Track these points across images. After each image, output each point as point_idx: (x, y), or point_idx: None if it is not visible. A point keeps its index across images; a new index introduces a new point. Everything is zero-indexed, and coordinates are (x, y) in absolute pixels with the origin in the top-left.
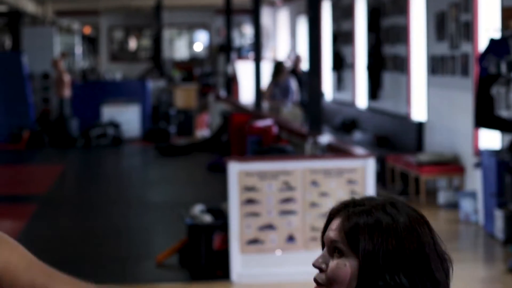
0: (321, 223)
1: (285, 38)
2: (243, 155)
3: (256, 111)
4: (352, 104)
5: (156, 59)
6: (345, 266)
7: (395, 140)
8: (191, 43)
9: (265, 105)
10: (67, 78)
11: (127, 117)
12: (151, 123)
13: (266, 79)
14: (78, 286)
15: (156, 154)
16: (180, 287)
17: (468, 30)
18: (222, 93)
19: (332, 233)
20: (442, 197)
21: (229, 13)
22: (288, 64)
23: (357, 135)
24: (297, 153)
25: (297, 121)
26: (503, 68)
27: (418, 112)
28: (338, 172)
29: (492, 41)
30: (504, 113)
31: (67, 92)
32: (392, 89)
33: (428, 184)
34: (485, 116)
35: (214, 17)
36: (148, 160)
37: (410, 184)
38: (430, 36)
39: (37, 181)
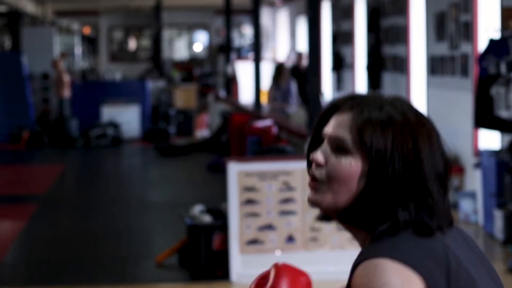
0: (321, 224)
1: (284, 38)
2: (242, 155)
3: (255, 112)
4: None
5: (156, 59)
6: (350, 165)
7: None
8: (190, 43)
9: (267, 107)
10: (66, 78)
11: (127, 117)
12: (150, 123)
13: (266, 79)
14: None
15: (155, 154)
16: (180, 287)
17: (468, 31)
18: (222, 93)
19: (337, 129)
20: None
21: (228, 13)
22: (289, 64)
23: None
24: (297, 153)
25: (304, 122)
26: (503, 68)
27: None
28: None
29: (492, 42)
30: (503, 113)
31: (66, 92)
32: (392, 90)
33: None
34: (484, 116)
35: (214, 17)
36: (148, 160)
37: None
38: (429, 36)
39: (37, 181)
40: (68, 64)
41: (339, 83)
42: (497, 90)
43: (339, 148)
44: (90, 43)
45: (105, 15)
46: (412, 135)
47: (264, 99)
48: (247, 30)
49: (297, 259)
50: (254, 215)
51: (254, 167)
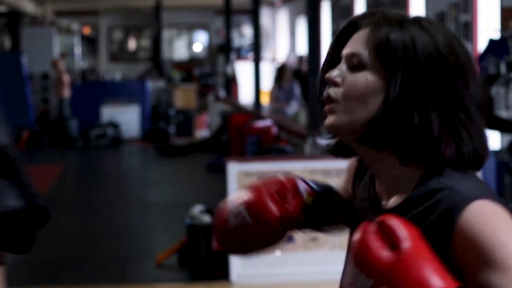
0: None
1: (284, 38)
2: (242, 155)
3: (255, 112)
4: None
5: (156, 59)
6: (366, 79)
7: None
8: (190, 44)
9: (269, 107)
10: (66, 78)
11: (127, 118)
12: (150, 124)
13: (265, 79)
14: None
15: (155, 154)
16: (180, 287)
17: (468, 31)
18: (222, 93)
19: (353, 46)
20: None
21: (228, 14)
22: (290, 65)
23: None
24: (297, 154)
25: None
26: (503, 68)
27: None
28: (338, 172)
29: (492, 42)
30: (503, 113)
31: (66, 93)
32: None
33: None
34: (484, 116)
35: (214, 17)
36: (148, 160)
37: None
38: None
39: (37, 181)
40: (68, 64)
41: None
42: (497, 90)
43: (355, 65)
44: (90, 43)
45: (105, 15)
46: (438, 54)
47: (264, 99)
48: (247, 30)
49: (296, 259)
50: None
51: (254, 167)
